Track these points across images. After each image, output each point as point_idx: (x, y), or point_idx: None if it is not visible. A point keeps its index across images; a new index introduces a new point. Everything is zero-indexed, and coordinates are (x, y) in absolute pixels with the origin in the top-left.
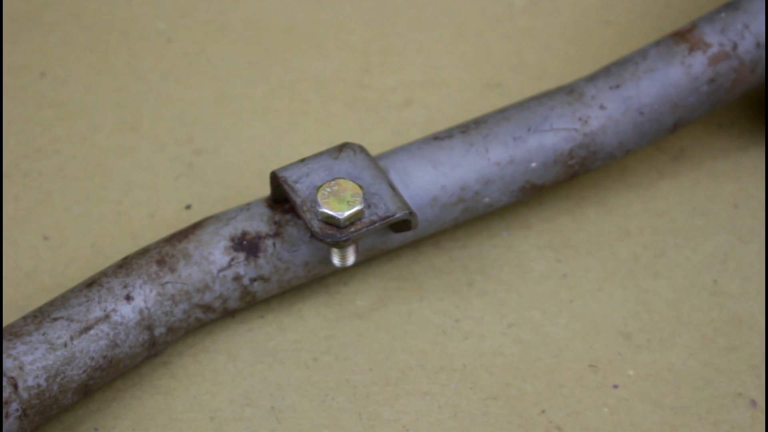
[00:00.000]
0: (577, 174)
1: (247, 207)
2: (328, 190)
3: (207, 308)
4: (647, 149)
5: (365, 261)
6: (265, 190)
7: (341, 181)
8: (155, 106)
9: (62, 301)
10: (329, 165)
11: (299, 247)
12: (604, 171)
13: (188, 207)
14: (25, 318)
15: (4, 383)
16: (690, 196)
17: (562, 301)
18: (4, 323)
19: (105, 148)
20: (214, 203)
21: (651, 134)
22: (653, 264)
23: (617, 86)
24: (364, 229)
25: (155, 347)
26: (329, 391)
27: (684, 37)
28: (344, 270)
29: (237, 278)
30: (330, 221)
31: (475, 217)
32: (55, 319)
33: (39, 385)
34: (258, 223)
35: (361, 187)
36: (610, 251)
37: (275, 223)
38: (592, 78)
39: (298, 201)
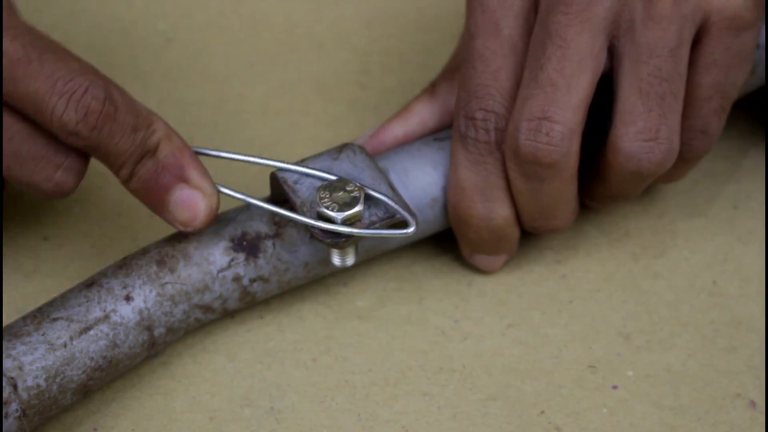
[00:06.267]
0: None
1: (246, 207)
2: (328, 191)
3: (206, 309)
4: None
5: (365, 261)
6: (265, 191)
7: (341, 181)
8: (155, 106)
9: (62, 301)
10: (329, 165)
11: (299, 247)
12: None
13: None
14: (24, 318)
15: (4, 383)
16: (689, 197)
17: (561, 301)
18: (5, 324)
19: None
20: None
21: None
22: (652, 265)
23: None
24: (364, 230)
25: (155, 348)
26: (328, 391)
27: None
28: (344, 270)
29: (237, 279)
30: (330, 222)
31: None
32: (55, 320)
33: (38, 386)
34: (258, 224)
35: (361, 187)
36: (610, 252)
37: (275, 223)
38: None
39: (297, 202)
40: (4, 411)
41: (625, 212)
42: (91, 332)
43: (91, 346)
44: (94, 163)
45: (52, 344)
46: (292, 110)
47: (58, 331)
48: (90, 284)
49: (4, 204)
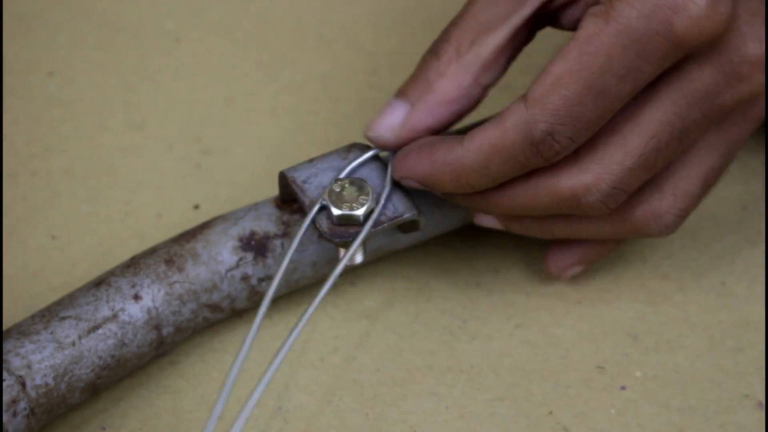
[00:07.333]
0: None
1: (255, 207)
2: (337, 190)
3: (215, 308)
4: None
5: (373, 261)
6: (274, 190)
7: (349, 180)
8: (163, 105)
9: (70, 300)
10: (337, 165)
11: (307, 247)
12: None
13: (196, 207)
14: (33, 317)
15: (13, 382)
16: None
17: (569, 302)
18: (13, 323)
19: (113, 148)
20: (222, 203)
21: None
22: (661, 265)
23: None
24: (372, 230)
25: (163, 347)
26: (336, 391)
27: None
28: (352, 270)
29: (245, 278)
30: (338, 221)
31: None
32: (63, 318)
33: (47, 384)
34: (266, 223)
35: (369, 187)
36: (618, 252)
37: (283, 223)
38: None
39: (306, 201)
40: (12, 409)
41: None
42: (100, 331)
43: (99, 345)
44: (103, 163)
45: (61, 343)
46: (300, 110)
47: (67, 330)
48: (98, 283)
49: (13, 203)
